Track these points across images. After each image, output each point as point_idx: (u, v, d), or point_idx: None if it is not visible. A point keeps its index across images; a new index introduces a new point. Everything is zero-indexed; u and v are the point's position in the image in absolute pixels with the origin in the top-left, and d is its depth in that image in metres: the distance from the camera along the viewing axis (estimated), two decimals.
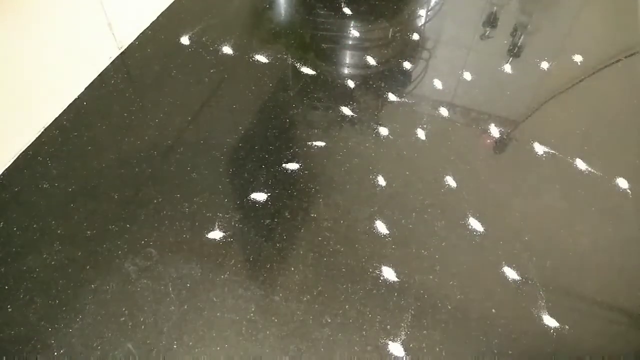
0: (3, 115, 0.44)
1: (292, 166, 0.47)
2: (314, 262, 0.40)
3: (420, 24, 0.67)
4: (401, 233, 0.42)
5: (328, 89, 0.55)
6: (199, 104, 0.52)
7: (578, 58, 0.60)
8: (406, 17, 0.67)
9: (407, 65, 0.59)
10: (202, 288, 0.38)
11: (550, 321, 0.37)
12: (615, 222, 0.44)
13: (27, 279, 0.38)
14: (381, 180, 0.46)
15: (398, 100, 0.54)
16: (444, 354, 0.35)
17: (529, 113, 0.53)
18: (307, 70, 0.57)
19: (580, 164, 0.48)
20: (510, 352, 0.35)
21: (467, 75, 0.58)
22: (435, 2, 0.70)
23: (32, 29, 0.45)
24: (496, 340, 0.36)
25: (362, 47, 0.62)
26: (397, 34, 0.64)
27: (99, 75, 0.54)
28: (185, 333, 0.35)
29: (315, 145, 0.49)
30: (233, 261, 0.40)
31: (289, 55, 0.59)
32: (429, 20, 0.67)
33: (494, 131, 0.51)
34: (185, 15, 0.64)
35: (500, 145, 0.50)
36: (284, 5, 0.68)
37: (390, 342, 0.35)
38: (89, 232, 0.41)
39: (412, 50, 0.62)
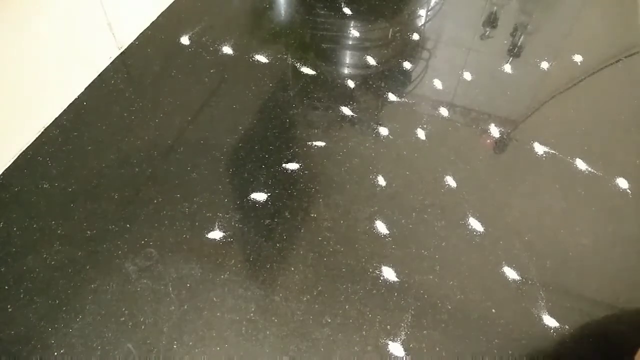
0: (3, 116, 0.44)
1: (292, 166, 0.47)
2: (314, 262, 0.40)
3: (420, 24, 0.67)
4: (401, 233, 0.42)
5: (328, 89, 0.55)
6: (199, 104, 0.52)
7: (578, 58, 0.60)
8: (406, 17, 0.67)
9: (407, 65, 0.59)
10: (202, 288, 0.38)
11: (550, 321, 0.37)
12: (615, 222, 0.44)
13: (27, 279, 0.38)
14: (381, 180, 0.46)
15: (398, 100, 0.54)
16: (444, 354, 0.35)
17: (529, 113, 0.53)
18: (307, 70, 0.57)
19: (580, 164, 0.48)
20: (510, 352, 0.35)
21: (467, 75, 0.58)
22: (435, 2, 0.70)
23: (32, 29, 0.45)
24: (496, 340, 0.36)
25: (362, 47, 0.62)
26: (397, 34, 0.64)
27: (99, 75, 0.54)
28: (185, 333, 0.35)
29: (315, 145, 0.49)
30: (233, 261, 0.40)
31: (289, 55, 0.59)
32: (429, 20, 0.67)
33: (494, 131, 0.51)
34: (185, 15, 0.64)
35: (500, 145, 0.50)
36: (284, 5, 0.68)
37: (390, 342, 0.35)
38: (89, 232, 0.41)
39: (412, 50, 0.62)
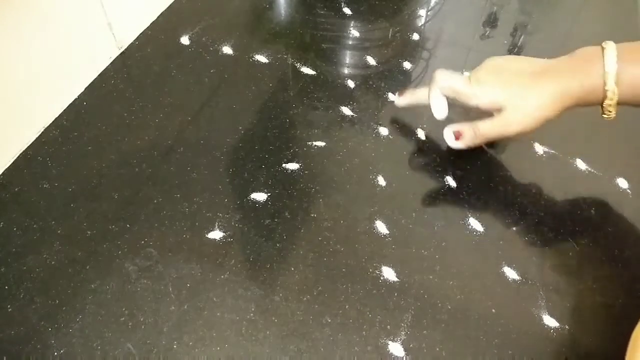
0: (3, 116, 0.44)
1: (292, 166, 0.47)
2: (314, 262, 0.40)
3: (420, 24, 0.67)
4: (401, 233, 0.42)
5: (328, 89, 0.55)
6: (199, 104, 0.52)
7: None
8: (406, 17, 0.67)
9: (407, 65, 0.59)
10: (202, 288, 0.38)
11: (550, 321, 0.37)
12: (615, 222, 0.44)
13: (27, 279, 0.38)
14: (381, 180, 0.46)
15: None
16: (444, 354, 0.35)
17: None
18: (307, 70, 0.57)
19: (580, 164, 0.48)
20: (510, 352, 0.35)
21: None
22: (435, 2, 0.70)
23: (31, 28, 0.45)
24: (496, 340, 0.36)
25: (362, 47, 0.62)
26: (397, 34, 0.64)
27: (99, 75, 0.54)
28: (185, 333, 0.35)
29: (315, 145, 0.49)
30: (233, 261, 0.40)
31: (289, 55, 0.59)
32: (429, 20, 0.67)
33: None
34: (185, 15, 0.64)
35: (500, 145, 0.50)
36: (284, 5, 0.68)
37: (390, 342, 0.35)
38: (89, 232, 0.41)
39: (412, 50, 0.62)
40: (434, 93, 0.46)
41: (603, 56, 0.39)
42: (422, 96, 0.48)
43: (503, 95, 0.41)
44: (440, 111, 0.46)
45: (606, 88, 0.39)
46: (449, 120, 0.47)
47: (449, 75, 0.45)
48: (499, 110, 0.42)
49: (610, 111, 0.40)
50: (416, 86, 0.57)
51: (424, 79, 0.58)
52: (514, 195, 0.45)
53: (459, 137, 0.45)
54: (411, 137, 0.50)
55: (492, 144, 0.50)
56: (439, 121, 0.47)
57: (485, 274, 0.40)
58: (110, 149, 0.47)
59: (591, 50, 0.41)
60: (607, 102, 0.40)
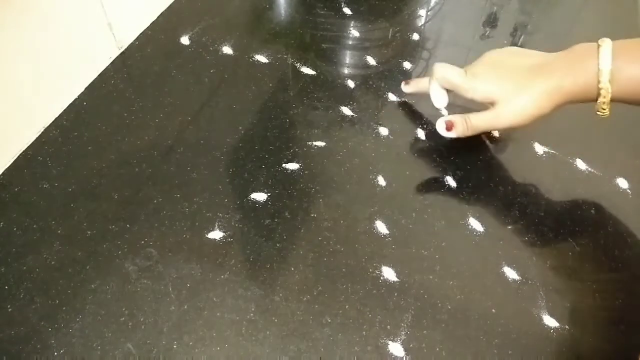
0: (3, 116, 0.44)
1: (292, 166, 0.47)
2: (314, 262, 0.40)
3: (420, 24, 0.67)
4: (401, 233, 0.42)
5: (328, 89, 0.55)
6: (199, 104, 0.52)
7: None
8: (406, 17, 0.67)
9: (407, 65, 0.59)
10: (202, 288, 0.38)
11: (550, 321, 0.37)
12: (615, 222, 0.44)
13: (27, 279, 0.38)
14: (381, 180, 0.46)
15: (398, 100, 0.54)
16: (444, 354, 0.35)
17: None
18: (307, 70, 0.57)
19: (580, 164, 0.48)
20: (510, 352, 0.35)
21: None
22: (435, 2, 0.70)
23: (31, 28, 0.45)
24: (496, 340, 0.36)
25: (362, 47, 0.62)
26: (397, 34, 0.64)
27: (99, 75, 0.54)
28: (185, 333, 0.35)
29: (315, 145, 0.49)
30: (233, 261, 0.40)
31: (289, 55, 0.59)
32: (429, 20, 0.67)
33: (495, 131, 0.51)
34: (185, 15, 0.64)
35: (500, 145, 0.50)
36: (284, 5, 0.68)
37: (390, 342, 0.35)
38: (89, 232, 0.41)
39: (412, 50, 0.62)
40: (433, 85, 0.47)
41: (598, 53, 0.39)
42: (425, 85, 0.50)
43: (497, 90, 0.42)
44: (439, 101, 0.48)
45: (600, 86, 0.39)
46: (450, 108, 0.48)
47: (446, 68, 0.46)
48: (493, 103, 0.44)
49: (604, 109, 0.40)
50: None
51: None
52: (514, 195, 0.46)
53: (450, 127, 0.46)
54: (411, 137, 0.50)
55: (493, 139, 0.50)
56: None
57: (485, 274, 0.40)
58: (110, 149, 0.47)
59: (587, 47, 0.41)
60: (600, 99, 0.40)
